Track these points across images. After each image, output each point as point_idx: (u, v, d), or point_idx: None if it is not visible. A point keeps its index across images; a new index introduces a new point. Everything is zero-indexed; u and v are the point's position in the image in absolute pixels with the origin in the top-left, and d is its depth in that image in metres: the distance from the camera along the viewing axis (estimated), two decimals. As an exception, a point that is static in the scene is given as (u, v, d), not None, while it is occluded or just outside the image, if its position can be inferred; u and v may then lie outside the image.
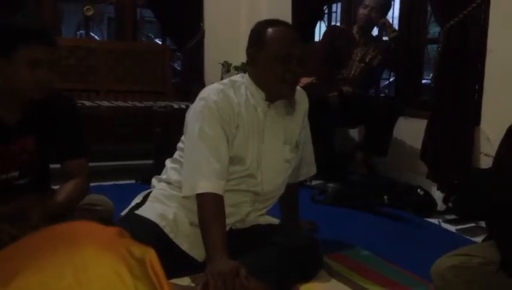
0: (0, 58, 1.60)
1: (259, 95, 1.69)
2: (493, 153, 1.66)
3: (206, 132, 1.60)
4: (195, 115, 1.64)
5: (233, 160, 1.66)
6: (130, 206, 1.77)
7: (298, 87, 1.84)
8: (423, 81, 3.86)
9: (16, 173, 1.73)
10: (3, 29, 1.62)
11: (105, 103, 3.53)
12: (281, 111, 1.74)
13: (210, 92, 1.66)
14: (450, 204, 2.74)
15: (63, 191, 1.72)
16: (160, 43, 5.39)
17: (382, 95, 4.25)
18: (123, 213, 1.77)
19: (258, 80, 1.69)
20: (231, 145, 1.64)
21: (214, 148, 1.58)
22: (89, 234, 1.30)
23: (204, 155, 1.57)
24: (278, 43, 1.63)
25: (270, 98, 1.70)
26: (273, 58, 1.63)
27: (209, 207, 1.53)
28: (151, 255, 1.17)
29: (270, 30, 1.64)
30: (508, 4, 2.60)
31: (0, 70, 1.62)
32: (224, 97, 1.64)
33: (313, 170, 2.01)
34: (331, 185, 2.94)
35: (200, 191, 1.55)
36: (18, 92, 1.64)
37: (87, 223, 1.42)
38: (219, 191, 1.55)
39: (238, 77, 1.75)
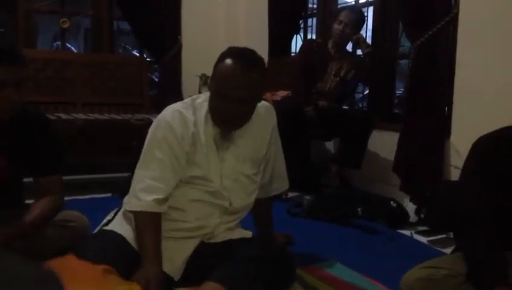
0: None
1: None
2: (462, 165, 1.71)
3: (154, 152, 1.65)
4: (149, 134, 1.70)
5: (199, 179, 1.69)
6: (101, 224, 1.78)
7: (266, 104, 1.86)
8: (397, 93, 3.96)
9: (-13, 191, 1.72)
10: None
11: (82, 116, 3.52)
12: (239, 130, 1.74)
13: (165, 113, 1.70)
14: (422, 216, 2.80)
15: (35, 209, 1.71)
16: (137, 55, 5.39)
17: (356, 108, 4.33)
18: (95, 230, 1.77)
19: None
20: (192, 163, 1.67)
21: (158, 168, 1.63)
22: (75, 274, 1.30)
23: (148, 174, 1.64)
24: (220, 79, 1.62)
25: None
26: (213, 92, 1.65)
27: (142, 224, 1.61)
28: None
29: (221, 64, 1.63)
30: (475, 22, 2.69)
31: None
32: (178, 117, 1.66)
33: (285, 185, 2.04)
34: (307, 197, 2.98)
35: (135, 209, 1.62)
36: None
37: (73, 262, 1.42)
38: (155, 210, 1.62)
39: (203, 96, 1.76)
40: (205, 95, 1.74)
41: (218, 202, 1.72)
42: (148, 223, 1.60)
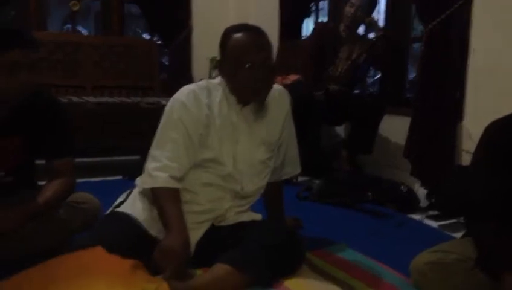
0: None
1: (232, 98, 1.72)
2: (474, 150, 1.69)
3: (168, 132, 1.66)
4: (164, 114, 1.71)
5: (211, 162, 1.69)
6: (113, 205, 1.79)
7: (280, 88, 1.86)
8: (409, 78, 3.92)
9: (2, 173, 1.74)
10: None
11: (92, 99, 3.53)
12: (255, 113, 1.75)
13: (180, 93, 1.70)
14: (432, 200, 2.80)
15: (47, 190, 1.73)
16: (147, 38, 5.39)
17: (368, 92, 4.30)
18: (107, 212, 1.79)
19: (227, 85, 1.72)
20: (204, 146, 1.68)
21: (172, 148, 1.64)
22: (103, 267, 1.32)
23: (162, 154, 1.64)
24: (239, 51, 1.63)
25: (242, 102, 1.73)
26: (234, 68, 1.65)
27: (162, 198, 1.60)
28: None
29: (233, 37, 1.64)
30: (491, 4, 2.65)
31: None
32: (193, 98, 1.67)
33: (297, 169, 2.03)
34: (316, 181, 2.98)
35: (153, 185, 1.62)
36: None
37: (102, 254, 1.43)
38: (171, 185, 1.61)
39: (217, 79, 1.77)
40: (219, 78, 1.75)
41: (229, 186, 1.73)
42: (168, 197, 1.59)
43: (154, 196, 1.62)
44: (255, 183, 1.79)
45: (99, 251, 1.45)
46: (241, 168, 1.73)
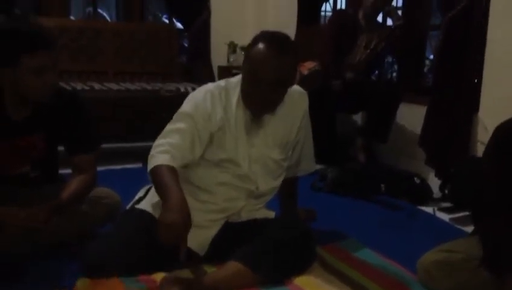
0: (5, 68, 1.64)
1: None
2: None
3: (176, 123, 1.67)
4: (180, 108, 1.72)
5: (228, 162, 1.73)
6: (133, 201, 1.86)
7: (300, 89, 1.86)
8: (427, 65, 3.89)
9: (28, 168, 1.84)
10: (4, 39, 1.64)
11: (114, 86, 3.62)
12: (270, 115, 1.77)
13: (198, 93, 1.73)
14: (446, 191, 2.82)
15: (71, 186, 1.82)
16: (167, 21, 5.41)
17: (385, 80, 4.26)
18: (127, 207, 1.86)
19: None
20: (220, 147, 1.71)
21: (177, 137, 1.62)
22: None
23: (166, 141, 1.62)
24: (252, 63, 1.63)
25: None
26: (245, 75, 1.67)
27: (160, 172, 1.53)
28: None
29: (254, 47, 1.63)
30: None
31: (6, 78, 1.67)
32: (210, 99, 1.70)
33: (312, 167, 2.06)
34: (330, 170, 3.01)
35: (153, 165, 1.55)
36: (25, 96, 1.71)
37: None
38: (172, 164, 1.55)
39: (237, 78, 1.78)
40: (239, 78, 1.76)
41: (245, 186, 1.77)
42: (166, 171, 1.52)
43: (153, 174, 1.55)
44: (269, 183, 1.83)
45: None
46: (256, 169, 1.77)
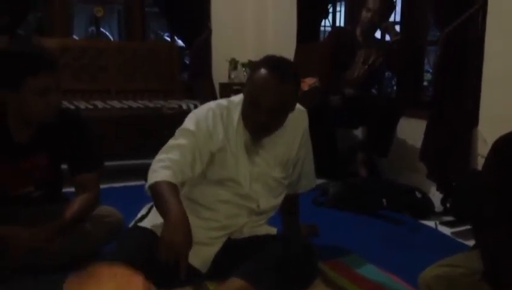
0: (9, 91, 1.68)
1: None
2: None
3: (178, 140, 1.68)
4: (183, 124, 1.73)
5: (229, 181, 1.75)
6: (135, 219, 1.87)
7: (300, 107, 1.87)
8: (425, 81, 3.92)
9: (31, 188, 1.86)
10: (8, 63, 1.67)
11: (117, 104, 3.65)
12: (270, 135, 1.78)
13: (200, 111, 1.75)
14: (447, 205, 2.82)
15: (74, 205, 1.84)
16: (168, 39, 5.48)
17: (384, 95, 4.28)
18: (130, 225, 1.88)
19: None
20: (222, 166, 1.73)
21: (177, 153, 1.63)
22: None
23: (166, 156, 1.62)
24: (253, 88, 1.66)
25: None
26: (246, 99, 1.69)
27: (161, 188, 1.53)
28: None
29: (256, 73, 1.65)
30: (505, 10, 2.65)
31: (10, 100, 1.70)
32: (212, 117, 1.72)
33: (312, 183, 2.08)
34: (331, 185, 3.02)
35: (153, 181, 1.55)
36: (29, 117, 1.74)
37: (114, 272, 1.47)
38: (173, 181, 1.55)
39: (239, 97, 1.80)
40: (241, 97, 1.78)
41: (246, 204, 1.79)
42: (167, 188, 1.52)
43: (152, 190, 1.54)
44: (270, 202, 1.85)
45: (110, 269, 1.50)
46: (257, 188, 1.79)
